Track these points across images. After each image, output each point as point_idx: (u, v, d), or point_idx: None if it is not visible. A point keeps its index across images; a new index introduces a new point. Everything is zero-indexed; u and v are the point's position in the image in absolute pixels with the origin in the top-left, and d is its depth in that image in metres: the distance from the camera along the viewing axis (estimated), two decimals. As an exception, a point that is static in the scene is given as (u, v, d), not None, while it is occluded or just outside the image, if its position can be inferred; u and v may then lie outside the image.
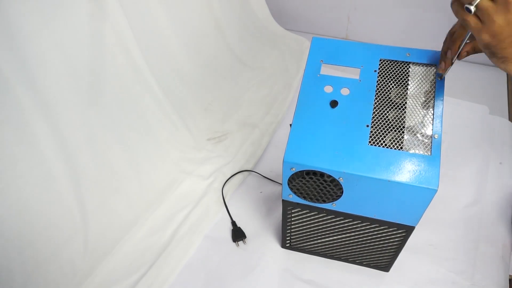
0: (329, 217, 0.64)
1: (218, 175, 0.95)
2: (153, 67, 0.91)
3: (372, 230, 0.64)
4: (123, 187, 0.88)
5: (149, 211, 0.88)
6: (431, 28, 1.24)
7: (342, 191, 0.56)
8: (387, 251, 0.69)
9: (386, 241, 0.66)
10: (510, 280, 0.75)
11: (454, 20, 0.46)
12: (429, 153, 0.52)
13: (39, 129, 0.72)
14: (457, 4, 0.40)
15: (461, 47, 0.50)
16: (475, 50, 0.51)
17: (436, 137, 0.53)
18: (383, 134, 0.54)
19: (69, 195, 0.78)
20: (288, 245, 0.79)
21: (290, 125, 0.56)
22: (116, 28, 0.80)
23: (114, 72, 0.83)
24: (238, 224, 0.85)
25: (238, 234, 0.83)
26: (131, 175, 0.89)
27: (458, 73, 1.17)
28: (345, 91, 0.57)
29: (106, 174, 0.85)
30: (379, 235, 0.65)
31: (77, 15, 0.74)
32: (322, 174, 0.54)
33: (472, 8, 0.38)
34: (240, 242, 0.82)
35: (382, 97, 0.56)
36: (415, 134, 0.53)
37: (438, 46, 0.61)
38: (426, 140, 0.53)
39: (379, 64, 0.58)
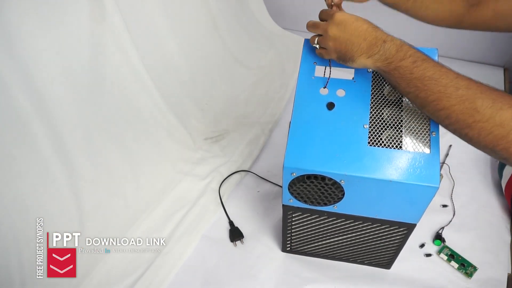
0: (330, 219, 0.64)
1: (215, 175, 0.95)
2: (150, 67, 0.91)
3: (373, 229, 0.64)
4: (120, 187, 0.88)
5: (146, 211, 0.88)
6: (428, 27, 1.24)
7: (344, 193, 0.56)
8: (388, 249, 0.70)
9: (388, 240, 0.67)
10: (508, 278, 0.75)
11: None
12: (428, 151, 0.52)
13: (36, 129, 0.72)
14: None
15: None
16: None
17: (434, 134, 0.53)
18: (381, 134, 0.54)
19: (67, 195, 0.78)
20: (289, 249, 0.79)
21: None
22: (113, 28, 0.79)
23: (111, 72, 0.83)
24: (236, 224, 0.86)
25: (235, 234, 0.83)
26: (128, 176, 0.90)
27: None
28: (340, 92, 0.57)
29: (103, 174, 0.85)
30: (381, 234, 0.66)
31: (74, 15, 0.73)
32: (323, 178, 0.54)
33: (316, 45, 0.56)
34: (238, 242, 0.83)
35: (378, 96, 0.56)
36: (413, 132, 0.53)
37: (434, 44, 0.61)
38: (425, 138, 0.53)
39: None
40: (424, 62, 0.47)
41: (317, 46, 0.56)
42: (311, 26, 0.56)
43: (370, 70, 0.58)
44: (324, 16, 0.55)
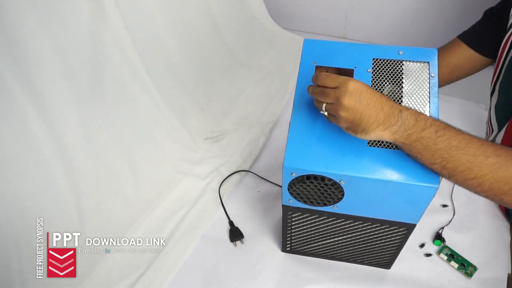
0: (330, 219, 0.64)
1: (215, 175, 0.95)
2: (150, 67, 0.91)
3: (373, 230, 0.64)
4: (120, 187, 0.88)
5: (146, 211, 0.88)
6: (427, 27, 1.24)
7: (343, 194, 0.56)
8: (388, 249, 0.70)
9: (388, 240, 0.67)
10: (508, 278, 0.75)
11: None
12: None
13: (36, 128, 0.72)
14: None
15: None
16: None
17: None
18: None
19: (66, 195, 0.79)
20: (289, 249, 0.79)
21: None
22: (113, 27, 0.80)
23: (110, 72, 0.83)
24: (236, 224, 0.86)
25: (235, 234, 0.83)
26: (128, 176, 0.90)
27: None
28: (340, 92, 0.57)
29: (103, 174, 0.85)
30: (380, 234, 0.65)
31: (74, 15, 0.74)
32: (323, 178, 0.54)
33: (325, 113, 0.51)
34: (238, 242, 0.83)
35: (377, 97, 0.56)
36: None
37: (434, 44, 0.61)
38: None
39: (373, 64, 0.58)
40: (447, 131, 0.46)
41: (326, 113, 0.50)
42: (318, 93, 0.50)
43: (370, 70, 0.57)
44: (330, 83, 0.48)
